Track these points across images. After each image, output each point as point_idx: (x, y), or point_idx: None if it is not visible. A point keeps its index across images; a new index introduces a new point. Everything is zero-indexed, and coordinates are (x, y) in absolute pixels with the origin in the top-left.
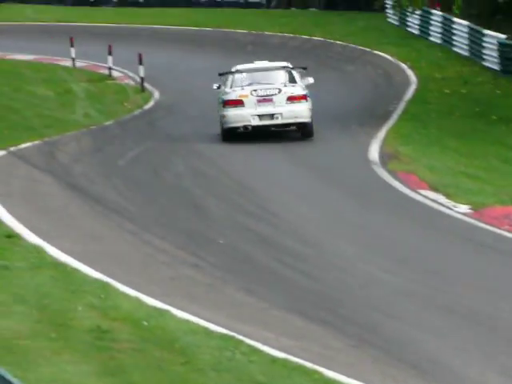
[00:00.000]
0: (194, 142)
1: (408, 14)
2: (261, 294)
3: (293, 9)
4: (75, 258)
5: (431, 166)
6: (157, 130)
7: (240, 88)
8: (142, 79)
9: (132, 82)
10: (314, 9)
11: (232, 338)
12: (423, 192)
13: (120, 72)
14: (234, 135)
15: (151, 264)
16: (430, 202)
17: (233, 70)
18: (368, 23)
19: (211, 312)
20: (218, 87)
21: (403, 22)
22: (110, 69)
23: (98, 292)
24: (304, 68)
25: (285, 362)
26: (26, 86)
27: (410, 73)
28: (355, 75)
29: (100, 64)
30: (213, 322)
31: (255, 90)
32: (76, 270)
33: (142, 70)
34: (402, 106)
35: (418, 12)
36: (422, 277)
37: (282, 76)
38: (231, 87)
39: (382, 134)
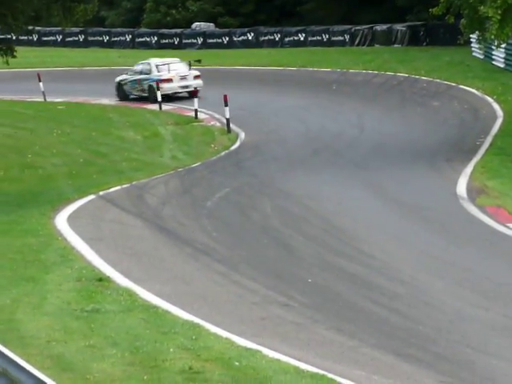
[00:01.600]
0: (281, 181)
1: (493, 47)
2: (351, 333)
3: (376, 46)
4: (166, 300)
5: None
6: (243, 171)
7: (167, 72)
8: (228, 120)
9: (218, 124)
10: (397, 45)
11: (323, 376)
12: None
13: (206, 114)
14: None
15: (241, 304)
16: None
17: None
18: (453, 58)
19: (301, 351)
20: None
21: (488, 55)
22: (196, 111)
23: (189, 333)
24: (198, 61)
25: None
26: (113, 131)
27: (496, 106)
28: (441, 110)
29: (186, 106)
30: (303, 361)
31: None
32: (167, 312)
33: (227, 111)
34: (489, 140)
35: (503, 45)
36: None
37: (185, 66)
38: (158, 72)
39: (469, 168)
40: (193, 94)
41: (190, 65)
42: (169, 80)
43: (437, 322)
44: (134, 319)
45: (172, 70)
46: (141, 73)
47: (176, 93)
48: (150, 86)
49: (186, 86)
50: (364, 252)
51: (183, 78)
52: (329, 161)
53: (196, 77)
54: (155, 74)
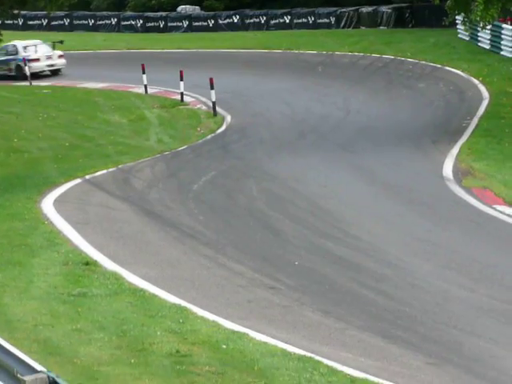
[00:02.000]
0: (267, 164)
1: (479, 29)
2: (338, 315)
3: (362, 28)
4: (153, 283)
5: (506, 181)
6: (229, 154)
7: (34, 52)
8: (214, 103)
9: (204, 107)
10: (383, 27)
11: (310, 358)
12: (499, 207)
13: (192, 97)
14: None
15: (228, 287)
16: (506, 218)
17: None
18: (438, 40)
19: (289, 334)
20: None
21: (474, 37)
22: (181, 94)
23: (177, 316)
24: (61, 42)
25: (364, 382)
26: (99, 114)
27: (482, 88)
28: (427, 92)
29: (172, 90)
30: (291, 344)
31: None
32: (154, 296)
33: (213, 95)
34: (474, 122)
35: (488, 27)
36: (500, 293)
37: (49, 47)
38: (25, 53)
39: (455, 150)
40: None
41: (53, 46)
42: (36, 60)
43: (423, 303)
44: (120, 303)
45: (38, 50)
46: (6, 53)
47: (43, 71)
48: (18, 66)
49: (52, 65)
50: (350, 234)
51: (49, 57)
52: (315, 143)
53: (60, 56)
54: (22, 55)
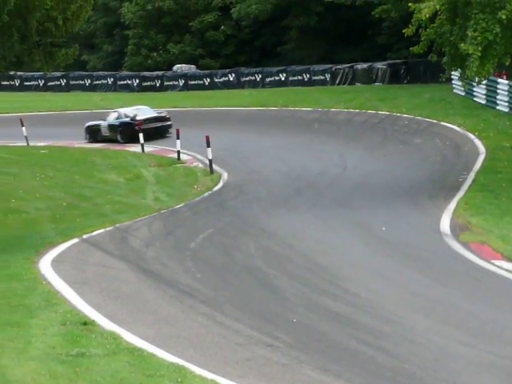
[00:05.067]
0: (264, 221)
1: (474, 84)
2: (337, 373)
3: (357, 84)
4: (150, 342)
5: (504, 236)
6: (226, 211)
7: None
8: (211, 161)
9: (201, 165)
10: (378, 83)
11: None
12: (497, 262)
13: (188, 155)
14: None
15: (226, 346)
16: (504, 273)
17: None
18: (434, 95)
19: None
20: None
21: (469, 92)
22: (178, 152)
23: (175, 376)
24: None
25: None
26: (96, 174)
27: (478, 143)
28: (423, 147)
29: (168, 148)
30: None
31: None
32: (152, 355)
33: (209, 152)
34: (471, 177)
35: (484, 82)
36: (500, 348)
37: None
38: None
39: (452, 205)
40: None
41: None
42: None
43: (423, 360)
44: (119, 362)
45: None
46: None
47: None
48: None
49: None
50: (349, 291)
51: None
52: (312, 200)
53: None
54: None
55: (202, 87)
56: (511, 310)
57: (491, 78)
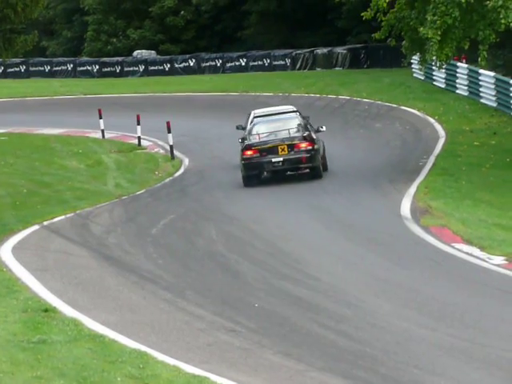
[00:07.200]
0: (226, 206)
1: (434, 68)
2: (298, 356)
3: (318, 69)
4: (112, 329)
5: (464, 219)
6: (188, 197)
7: None
8: (171, 147)
9: (161, 151)
10: (338, 68)
11: None
12: (457, 246)
13: (149, 141)
14: None
15: (188, 331)
16: (464, 255)
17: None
18: (394, 79)
19: (250, 376)
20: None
21: (429, 76)
22: (139, 138)
23: (137, 362)
24: None
25: None
26: (57, 160)
27: (438, 127)
28: (383, 132)
29: (129, 134)
30: None
31: None
32: (113, 341)
33: (170, 138)
34: (431, 161)
35: (444, 66)
36: (461, 331)
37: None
38: None
39: (412, 189)
40: None
41: None
42: None
43: (384, 343)
44: (80, 349)
45: None
46: None
47: None
48: None
49: None
50: (310, 275)
51: None
52: (273, 184)
53: None
54: None
55: (163, 73)
56: (471, 293)
57: (450, 62)
